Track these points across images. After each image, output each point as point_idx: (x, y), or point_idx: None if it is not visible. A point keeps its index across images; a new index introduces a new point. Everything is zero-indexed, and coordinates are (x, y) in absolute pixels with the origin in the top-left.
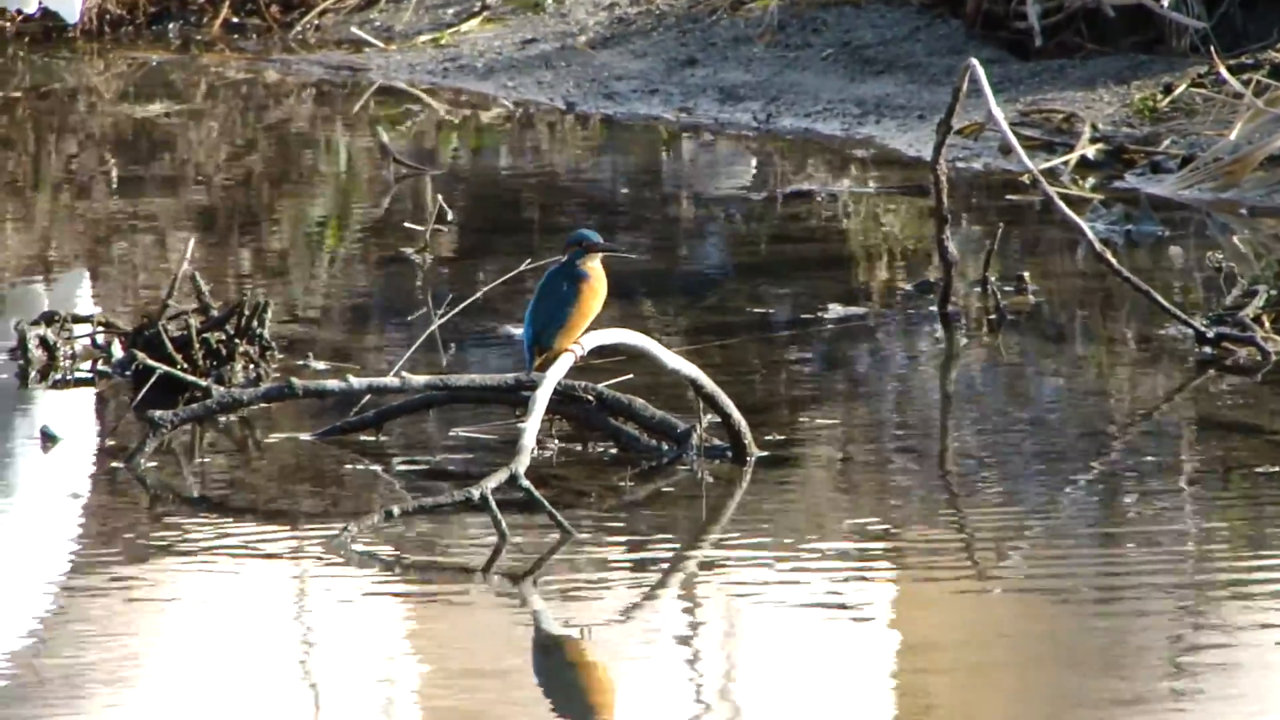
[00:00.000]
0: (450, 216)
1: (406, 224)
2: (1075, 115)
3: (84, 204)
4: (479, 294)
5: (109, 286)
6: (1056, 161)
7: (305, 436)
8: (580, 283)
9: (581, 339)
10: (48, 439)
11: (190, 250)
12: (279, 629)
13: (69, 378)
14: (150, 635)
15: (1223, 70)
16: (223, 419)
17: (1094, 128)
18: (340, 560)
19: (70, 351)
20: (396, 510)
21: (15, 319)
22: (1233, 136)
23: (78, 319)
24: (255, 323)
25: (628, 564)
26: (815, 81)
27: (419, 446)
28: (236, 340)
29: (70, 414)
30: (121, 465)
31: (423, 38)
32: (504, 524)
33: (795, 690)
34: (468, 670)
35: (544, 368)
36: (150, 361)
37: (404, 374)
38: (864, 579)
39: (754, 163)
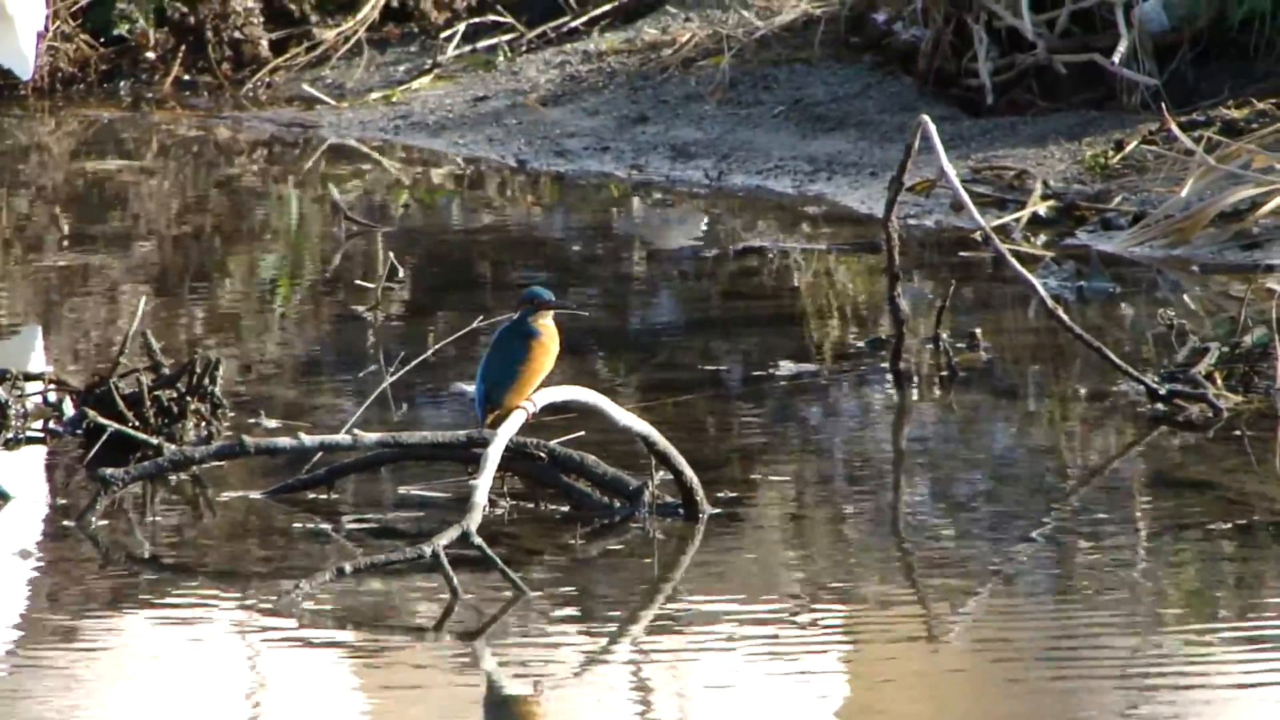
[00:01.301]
0: (401, 273)
1: (358, 281)
2: (1027, 172)
3: (35, 260)
4: (430, 351)
5: (60, 344)
6: (1008, 218)
7: (256, 494)
8: (531, 340)
9: (533, 396)
10: None
11: (142, 308)
12: (228, 687)
13: (20, 436)
14: (98, 692)
15: (1174, 127)
16: (174, 477)
17: (1045, 184)
18: (291, 618)
19: (21, 410)
20: (348, 567)
21: None
22: (1184, 193)
23: (29, 377)
24: (207, 380)
25: (580, 622)
26: (767, 139)
27: (370, 504)
28: (188, 398)
29: (21, 472)
30: (73, 523)
31: (374, 95)
32: (455, 582)
33: None
34: None
35: (495, 425)
36: (101, 419)
37: (356, 431)
38: (816, 637)
39: (705, 220)
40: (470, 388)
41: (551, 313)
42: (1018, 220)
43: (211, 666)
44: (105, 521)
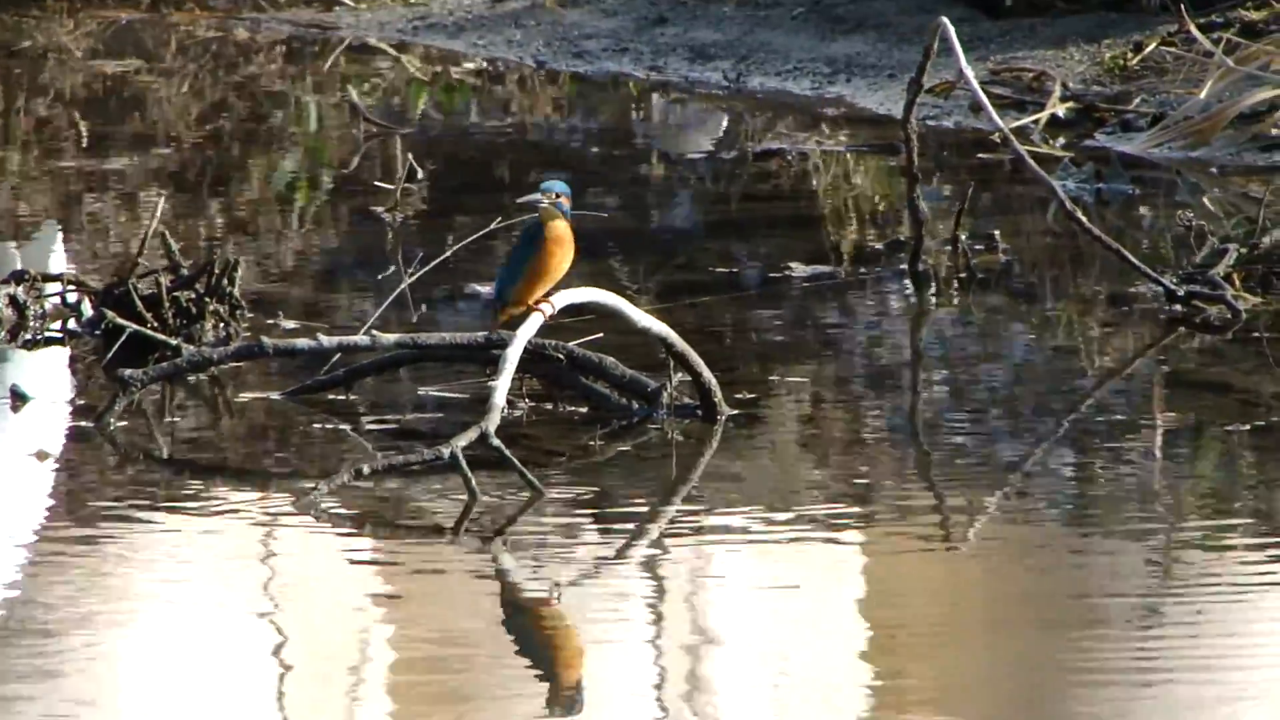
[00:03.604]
0: (420, 175)
1: (376, 182)
2: (1045, 74)
3: (54, 163)
4: (448, 252)
5: (79, 245)
6: (1027, 120)
7: (275, 395)
8: (538, 240)
9: (552, 298)
10: (18, 398)
11: (160, 209)
12: (245, 587)
13: (39, 337)
14: (116, 593)
15: (1193, 29)
16: (193, 378)
17: (1064, 86)
18: (309, 518)
19: (40, 310)
20: (366, 468)
21: None
22: (1203, 95)
23: (48, 277)
24: (225, 281)
25: (597, 523)
26: (785, 40)
27: (389, 405)
28: (206, 299)
29: (40, 373)
30: (91, 424)
31: None
32: (474, 483)
33: (763, 649)
34: (436, 629)
35: (509, 326)
36: (120, 320)
37: (374, 332)
38: (833, 537)
39: (724, 122)
40: (487, 289)
41: (560, 216)
42: (1036, 122)
43: (229, 567)
44: (124, 422)
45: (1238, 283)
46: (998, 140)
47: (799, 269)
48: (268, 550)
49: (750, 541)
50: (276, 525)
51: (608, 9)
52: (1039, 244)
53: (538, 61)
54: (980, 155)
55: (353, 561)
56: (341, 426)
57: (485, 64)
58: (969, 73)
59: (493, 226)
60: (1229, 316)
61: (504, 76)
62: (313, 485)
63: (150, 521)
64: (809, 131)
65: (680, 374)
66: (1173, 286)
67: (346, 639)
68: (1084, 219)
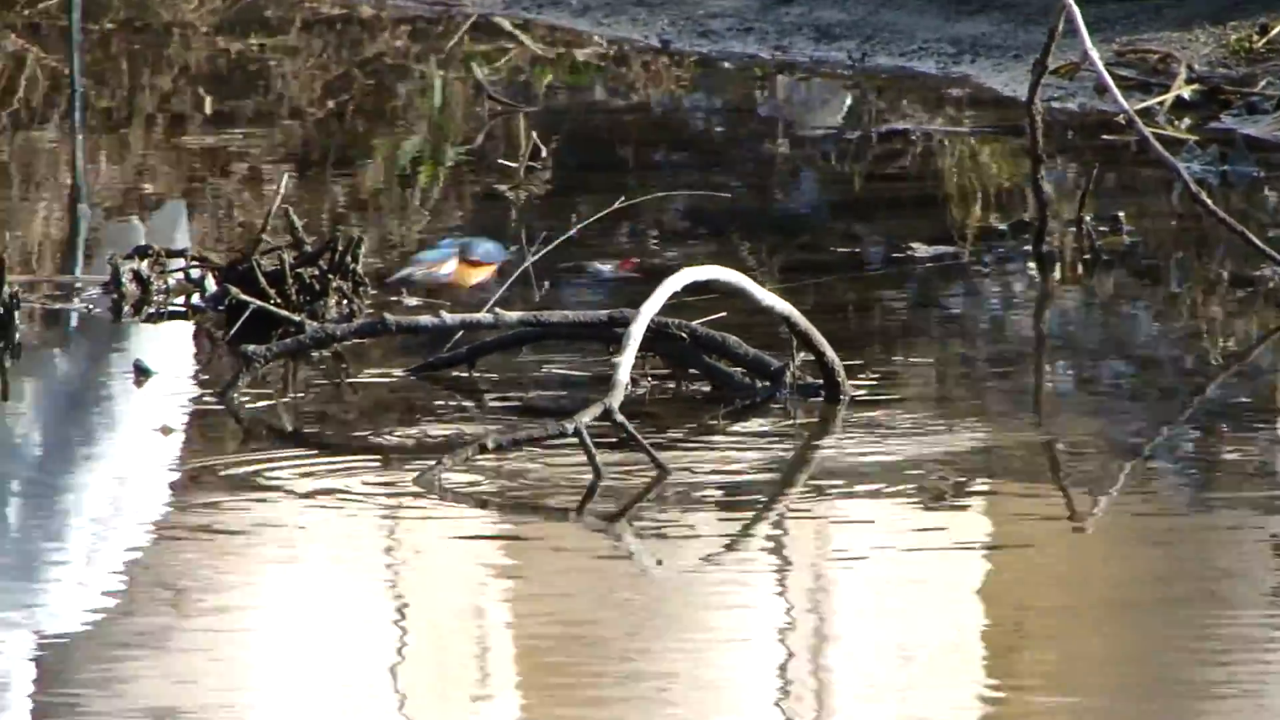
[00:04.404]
0: (544, 153)
1: (500, 160)
2: (1171, 55)
3: (178, 139)
4: (572, 230)
5: (203, 221)
6: (1152, 102)
7: (398, 372)
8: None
9: (678, 274)
10: (141, 373)
11: (284, 185)
12: (367, 564)
13: (162, 312)
14: (241, 568)
15: None
16: (316, 354)
17: (1190, 68)
18: (432, 495)
19: (164, 286)
20: (490, 443)
21: (109, 253)
22: None
23: (171, 253)
24: (349, 258)
25: (721, 502)
26: (911, 20)
27: (511, 383)
28: (330, 276)
29: (164, 348)
30: (215, 399)
31: None
32: (598, 460)
33: (887, 629)
34: (558, 608)
35: None
36: (244, 296)
37: (497, 310)
38: (957, 519)
39: (848, 101)
40: (608, 267)
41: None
42: (1161, 104)
43: (352, 543)
44: (246, 397)
45: None
46: (1122, 122)
47: (922, 249)
48: (390, 526)
49: (873, 521)
50: (399, 502)
51: None
52: (1164, 226)
53: (662, 41)
54: (1105, 137)
55: (474, 537)
56: (464, 403)
57: (609, 43)
58: (1094, 54)
59: (616, 205)
60: None
61: (628, 55)
62: (435, 461)
63: (273, 497)
64: (933, 112)
65: (804, 353)
66: None
67: (467, 616)
68: (1209, 201)
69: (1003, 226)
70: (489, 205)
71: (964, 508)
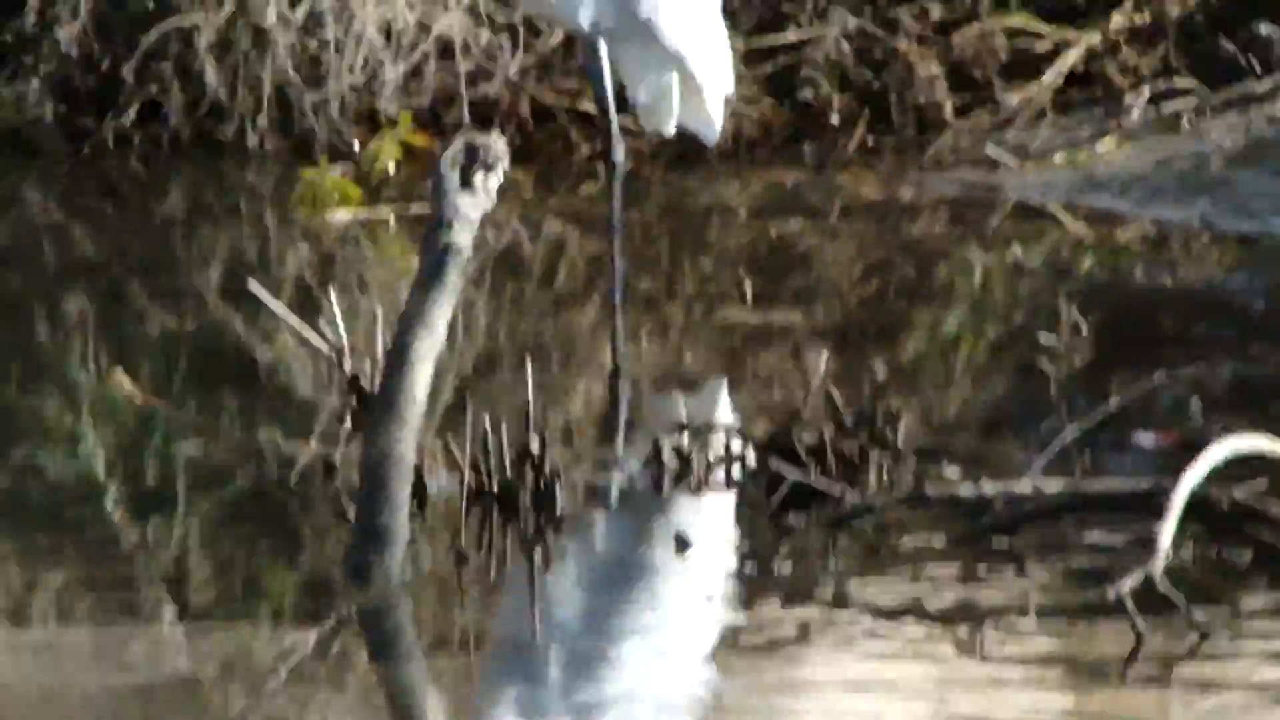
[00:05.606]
0: (1083, 330)
1: (1040, 333)
2: None
3: (719, 318)
4: (1111, 404)
5: (742, 397)
6: None
7: (938, 543)
8: None
9: (1217, 445)
10: (682, 544)
11: (824, 363)
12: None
13: (704, 485)
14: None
15: None
16: (856, 524)
17: None
18: (977, 658)
19: (705, 460)
20: (1033, 610)
21: (651, 429)
22: None
23: (712, 428)
24: (888, 431)
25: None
26: None
27: (1052, 548)
28: (869, 448)
29: (704, 520)
30: (752, 570)
31: (1056, 156)
32: (1139, 623)
33: None
34: None
35: None
36: (785, 468)
37: (1036, 480)
38: None
39: None
40: (1149, 439)
41: None
42: None
43: (893, 703)
44: (788, 565)
45: None
46: None
47: None
48: (937, 688)
49: None
50: (944, 664)
51: (1276, 168)
52: None
53: (1204, 221)
54: None
55: (1026, 699)
56: (1006, 567)
57: (1150, 223)
58: None
59: (1154, 380)
60: None
61: (1169, 236)
62: (978, 624)
63: (810, 651)
64: None
65: None
66: None
67: None
68: None
69: None
70: (1028, 379)
71: None
